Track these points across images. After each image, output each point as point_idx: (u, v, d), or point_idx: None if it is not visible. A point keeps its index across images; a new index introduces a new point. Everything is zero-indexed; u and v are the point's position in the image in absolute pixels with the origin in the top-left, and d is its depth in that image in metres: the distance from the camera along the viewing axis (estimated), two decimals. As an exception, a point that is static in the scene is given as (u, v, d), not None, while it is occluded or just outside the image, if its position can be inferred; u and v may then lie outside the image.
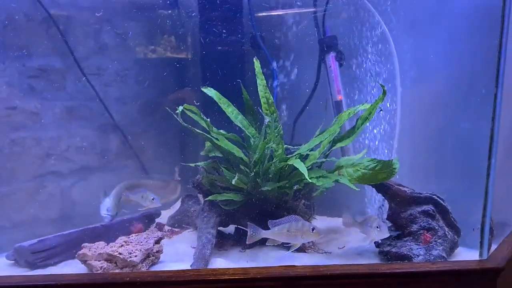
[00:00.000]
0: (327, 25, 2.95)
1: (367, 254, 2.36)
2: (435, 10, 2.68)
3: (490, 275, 1.94)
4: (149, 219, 2.84)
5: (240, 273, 1.89)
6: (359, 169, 2.34)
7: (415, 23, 2.78)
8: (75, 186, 2.89)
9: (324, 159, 2.56)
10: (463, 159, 2.49)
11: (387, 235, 2.23)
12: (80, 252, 2.17)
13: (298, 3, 3.04)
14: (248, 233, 2.16)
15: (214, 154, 2.64)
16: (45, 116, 2.75)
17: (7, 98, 2.61)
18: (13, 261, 2.32)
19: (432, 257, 2.14)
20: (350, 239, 2.59)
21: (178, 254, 2.43)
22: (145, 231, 2.73)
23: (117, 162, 3.11)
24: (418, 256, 2.15)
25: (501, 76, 1.92)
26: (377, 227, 2.22)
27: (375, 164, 2.29)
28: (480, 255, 2.05)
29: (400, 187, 2.36)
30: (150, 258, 2.25)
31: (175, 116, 2.36)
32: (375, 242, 2.37)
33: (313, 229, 2.14)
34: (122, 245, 2.22)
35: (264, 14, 3.09)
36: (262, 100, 2.60)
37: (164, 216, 3.00)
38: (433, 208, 2.31)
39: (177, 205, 3.10)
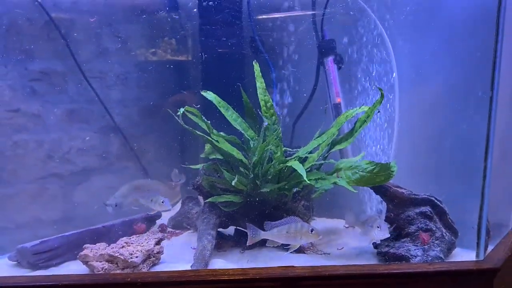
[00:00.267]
0: (325, 29, 2.97)
1: (366, 255, 2.37)
2: (433, 12, 2.69)
3: (486, 276, 1.95)
4: (149, 220, 2.87)
5: (239, 274, 1.90)
6: (357, 171, 2.34)
7: (412, 25, 2.80)
8: (76, 188, 2.90)
9: (323, 161, 2.57)
10: (461, 161, 2.49)
11: (387, 235, 2.24)
12: (82, 253, 2.19)
13: (296, 7, 3.06)
14: (248, 235, 2.17)
15: (214, 156, 2.65)
16: (47, 119, 2.77)
17: (10, 101, 2.64)
18: (16, 262, 2.34)
19: (430, 258, 2.15)
20: (349, 240, 2.60)
21: (179, 255, 2.44)
22: (145, 232, 2.75)
23: (118, 164, 3.12)
24: (415, 257, 2.17)
25: (496, 80, 1.94)
26: (378, 227, 2.23)
27: (373, 167, 2.30)
28: (477, 255, 2.07)
29: (398, 189, 2.38)
30: (151, 259, 2.27)
31: (176, 118, 2.38)
32: (373, 243, 2.38)
33: (312, 230, 2.15)
34: (123, 246, 2.24)
35: (264, 17, 3.11)
36: (261, 103, 2.61)
37: (165, 218, 3.02)
38: (430, 209, 2.33)
39: (178, 206, 3.13)
